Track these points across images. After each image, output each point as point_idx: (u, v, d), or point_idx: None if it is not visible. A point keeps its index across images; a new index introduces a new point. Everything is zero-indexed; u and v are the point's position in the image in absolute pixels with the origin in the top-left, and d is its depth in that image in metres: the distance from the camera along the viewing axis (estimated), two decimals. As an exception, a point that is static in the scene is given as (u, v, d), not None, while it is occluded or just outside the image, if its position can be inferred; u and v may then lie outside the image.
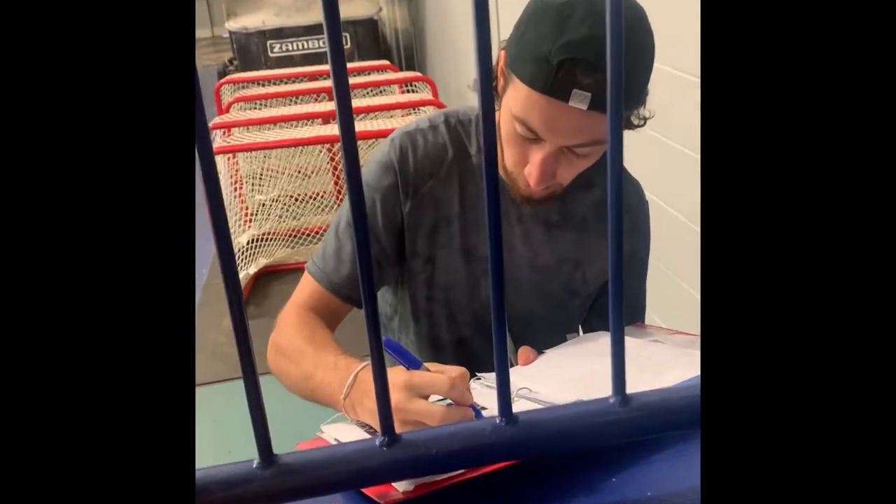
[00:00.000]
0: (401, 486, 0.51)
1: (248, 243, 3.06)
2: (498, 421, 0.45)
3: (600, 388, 0.46)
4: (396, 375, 0.63)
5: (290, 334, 0.85)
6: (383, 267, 0.90)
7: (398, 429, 0.63)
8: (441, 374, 0.63)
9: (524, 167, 0.79)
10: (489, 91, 0.41)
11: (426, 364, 0.65)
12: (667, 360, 0.63)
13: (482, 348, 0.90)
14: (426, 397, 0.62)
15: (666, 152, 1.53)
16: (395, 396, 0.61)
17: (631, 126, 0.82)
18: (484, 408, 0.62)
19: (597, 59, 0.69)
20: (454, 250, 0.89)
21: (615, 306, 0.43)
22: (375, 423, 0.65)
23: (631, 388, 0.46)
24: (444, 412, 0.60)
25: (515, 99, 0.76)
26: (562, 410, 0.46)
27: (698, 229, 1.30)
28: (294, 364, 0.81)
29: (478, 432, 0.45)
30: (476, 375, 0.74)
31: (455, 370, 0.63)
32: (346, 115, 0.38)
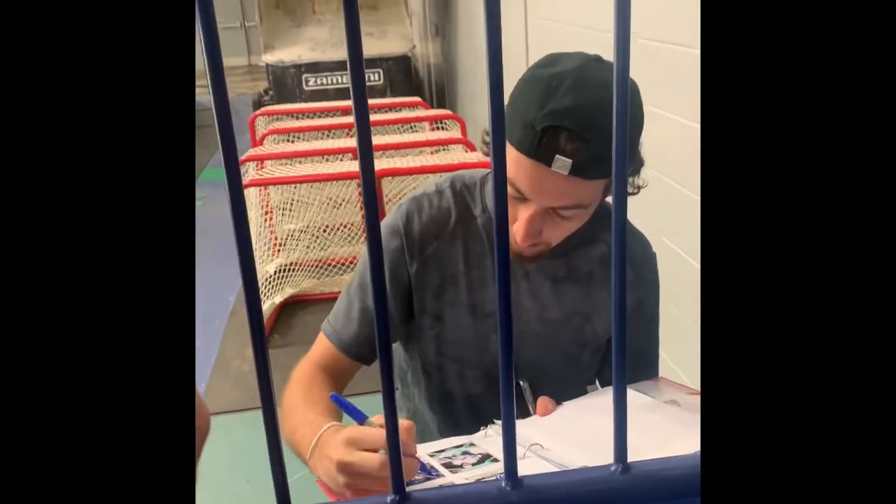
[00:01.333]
0: None
1: (275, 272, 3.11)
2: (503, 484, 0.47)
3: (612, 450, 0.48)
4: (342, 432, 0.67)
5: (291, 389, 0.90)
6: (392, 327, 0.93)
7: (344, 483, 0.66)
8: (383, 427, 0.65)
9: (513, 225, 0.83)
10: (501, 144, 0.44)
11: (372, 418, 0.68)
12: (677, 428, 0.64)
13: (492, 403, 0.92)
14: (371, 450, 0.65)
15: (664, 190, 1.55)
16: (339, 452, 0.65)
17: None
18: (433, 469, 0.65)
19: (579, 128, 0.74)
20: (462, 307, 0.92)
21: (618, 375, 0.45)
22: (330, 483, 0.68)
23: (636, 454, 0.47)
24: (383, 460, 0.63)
25: (507, 160, 0.81)
26: (566, 476, 0.48)
27: (696, 263, 1.31)
28: (286, 418, 0.86)
29: (484, 495, 0.47)
30: (493, 421, 0.76)
31: (401, 423, 0.65)
32: (369, 185, 0.41)
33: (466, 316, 0.92)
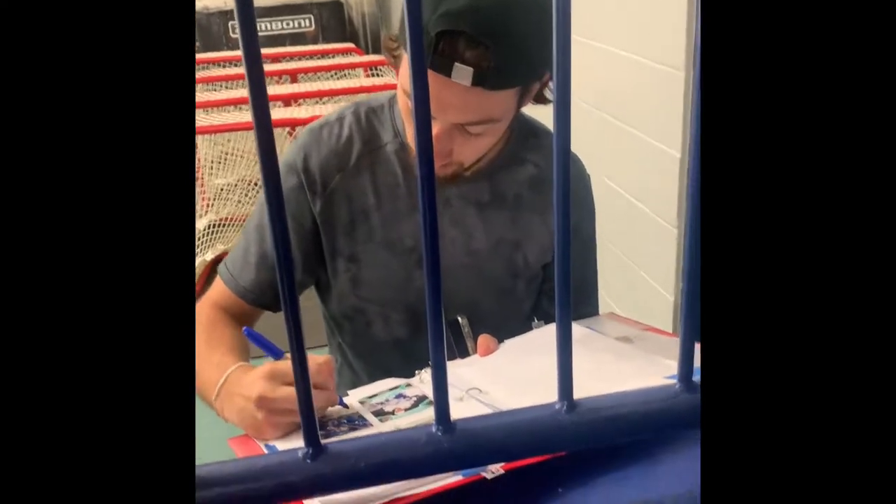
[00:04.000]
0: None
1: (205, 229, 2.98)
2: (434, 429, 0.41)
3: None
4: (261, 367, 0.61)
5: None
6: (296, 272, 0.84)
7: (264, 419, 0.60)
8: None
9: None
10: (422, 70, 0.37)
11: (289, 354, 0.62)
12: (630, 367, 0.59)
13: (424, 347, 0.84)
14: (292, 384, 0.59)
15: (635, 145, 1.50)
16: (259, 387, 0.59)
17: (545, 100, 0.78)
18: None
19: (478, 32, 0.65)
20: (377, 245, 0.84)
21: (562, 306, 0.40)
22: (241, 425, 0.62)
23: (584, 395, 0.42)
24: None
25: (404, 71, 0.73)
26: (504, 417, 0.42)
27: (668, 225, 1.27)
28: None
29: (412, 442, 0.41)
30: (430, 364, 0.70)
31: (320, 357, 0.60)
32: (261, 108, 0.33)
33: (383, 253, 0.84)
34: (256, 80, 0.32)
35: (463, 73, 0.66)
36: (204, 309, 0.84)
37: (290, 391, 0.58)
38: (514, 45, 0.67)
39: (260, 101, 0.33)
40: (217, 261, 2.94)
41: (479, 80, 0.67)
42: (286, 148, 0.87)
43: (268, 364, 0.61)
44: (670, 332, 0.70)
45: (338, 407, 0.60)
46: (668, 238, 1.39)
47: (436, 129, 0.71)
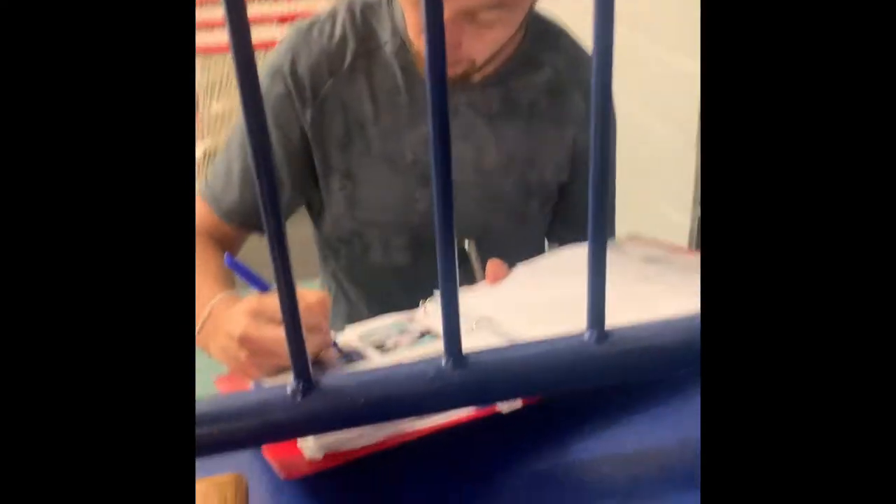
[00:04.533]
0: (308, 451, 0.40)
1: (201, 157, 2.90)
2: (443, 363, 0.35)
3: (581, 316, 0.36)
4: (245, 302, 0.54)
5: None
6: (283, 190, 0.76)
7: (247, 360, 0.54)
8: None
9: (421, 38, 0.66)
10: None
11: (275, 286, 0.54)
12: (661, 287, 0.53)
13: (426, 274, 0.77)
14: (279, 323, 0.50)
15: (650, 59, 1.41)
16: (243, 324, 0.52)
17: None
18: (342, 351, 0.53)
19: None
20: (375, 159, 0.75)
21: (596, 216, 0.33)
22: (226, 364, 0.55)
23: (614, 319, 0.37)
24: None
25: None
26: (524, 349, 0.37)
27: (682, 142, 1.17)
28: None
29: (418, 376, 0.35)
30: (434, 293, 0.64)
31: (312, 294, 0.52)
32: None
33: (382, 169, 0.75)
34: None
35: None
36: None
37: (277, 330, 0.51)
38: None
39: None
40: (215, 189, 2.87)
41: None
42: (271, 49, 0.77)
43: (252, 298, 0.54)
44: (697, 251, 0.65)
45: (332, 349, 0.54)
46: (686, 160, 1.33)
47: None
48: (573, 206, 0.85)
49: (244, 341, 0.51)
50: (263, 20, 2.86)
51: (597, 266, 0.34)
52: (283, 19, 2.81)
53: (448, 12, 0.61)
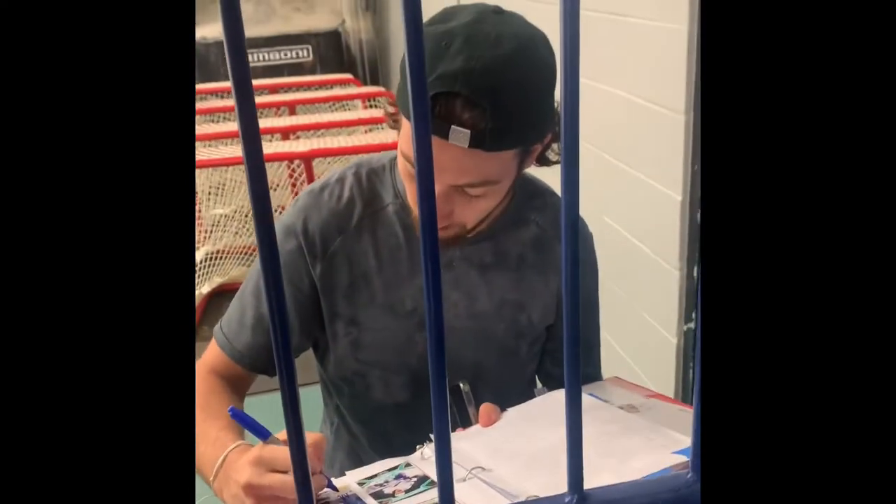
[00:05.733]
0: None
1: (202, 260, 2.96)
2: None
3: (564, 467, 0.40)
4: (249, 452, 0.60)
5: None
6: (292, 336, 0.83)
7: None
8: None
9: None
10: (425, 122, 0.36)
11: (277, 434, 0.61)
12: (638, 441, 0.57)
13: (425, 412, 0.81)
14: (280, 471, 0.58)
15: (635, 186, 1.50)
16: (247, 474, 0.58)
17: (547, 162, 0.78)
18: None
19: (474, 94, 0.65)
20: (378, 307, 0.82)
21: (571, 391, 0.38)
22: None
23: (593, 475, 0.40)
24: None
25: (404, 135, 0.73)
26: (511, 509, 0.40)
27: (666, 264, 1.25)
28: None
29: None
30: (430, 438, 0.68)
31: (308, 437, 0.59)
32: (258, 183, 0.32)
33: (384, 317, 0.82)
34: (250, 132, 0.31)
35: (460, 136, 0.65)
36: (201, 373, 0.83)
37: (278, 478, 0.57)
38: (512, 105, 0.66)
39: (255, 160, 0.32)
40: (214, 294, 2.92)
41: (477, 142, 0.66)
42: (286, 210, 0.85)
43: (256, 449, 0.60)
44: (674, 398, 0.69)
45: (327, 490, 0.59)
46: (671, 279, 1.39)
47: (435, 190, 0.70)
48: (560, 345, 0.91)
49: (248, 489, 0.56)
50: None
51: (574, 430, 0.38)
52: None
53: (440, 186, 0.69)
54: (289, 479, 0.57)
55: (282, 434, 0.61)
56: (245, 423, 0.59)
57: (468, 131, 0.65)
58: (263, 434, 0.58)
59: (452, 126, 0.65)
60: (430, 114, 0.64)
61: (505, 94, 0.65)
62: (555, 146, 0.76)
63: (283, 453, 0.58)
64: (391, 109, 0.78)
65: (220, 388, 0.80)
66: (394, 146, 0.83)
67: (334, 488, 0.57)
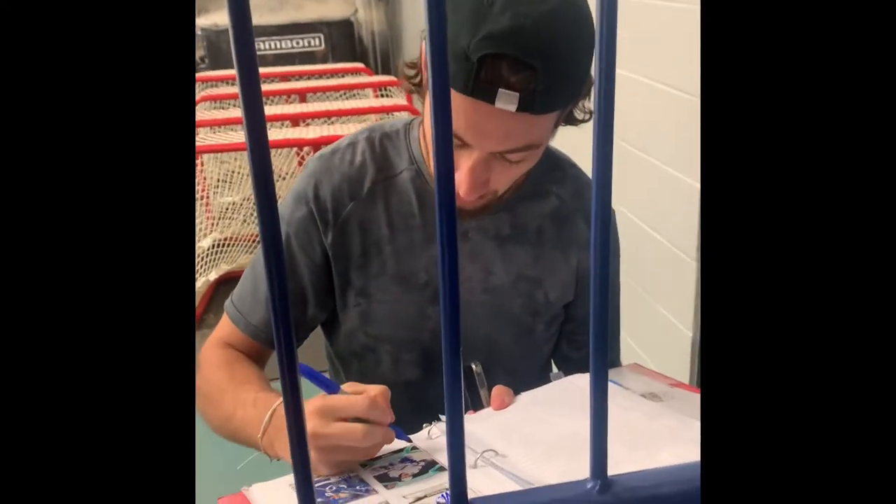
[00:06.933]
0: None
1: (210, 247, 2.94)
2: (449, 509, 0.36)
3: (585, 456, 0.37)
4: (311, 402, 0.58)
5: (207, 375, 0.78)
6: (308, 306, 0.81)
7: (316, 457, 0.57)
8: (359, 394, 0.59)
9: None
10: (446, 97, 0.33)
11: (343, 386, 0.61)
12: (663, 430, 0.54)
13: (434, 391, 0.79)
14: (346, 420, 0.58)
15: (650, 172, 1.46)
16: (311, 423, 0.56)
17: (574, 121, 0.73)
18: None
19: (524, 53, 0.60)
20: (389, 279, 0.79)
21: (597, 370, 0.35)
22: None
23: (614, 465, 0.37)
24: (364, 430, 0.57)
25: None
26: (528, 496, 0.37)
27: (683, 254, 1.21)
28: (214, 406, 0.75)
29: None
30: (439, 417, 0.65)
31: (374, 388, 0.59)
32: (260, 153, 0.29)
33: (395, 288, 0.79)
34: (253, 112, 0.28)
35: (509, 99, 0.61)
36: (215, 350, 0.80)
37: (344, 427, 0.57)
38: (563, 64, 0.62)
39: (258, 141, 0.29)
40: (221, 281, 2.90)
41: (526, 106, 0.62)
42: (296, 176, 0.83)
43: (319, 398, 0.59)
44: (696, 387, 0.66)
45: (399, 441, 0.59)
46: (688, 270, 1.35)
47: (472, 159, 0.66)
48: (578, 326, 0.87)
49: (313, 439, 0.54)
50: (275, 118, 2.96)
51: (599, 415, 0.35)
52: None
53: (478, 154, 0.65)
54: (356, 426, 0.57)
55: (349, 386, 0.61)
56: (313, 378, 0.58)
57: (517, 94, 0.61)
58: (333, 388, 0.59)
59: (500, 89, 0.61)
60: (475, 77, 0.61)
61: (556, 53, 0.61)
62: (582, 103, 0.72)
63: (348, 402, 0.58)
64: (410, 72, 0.75)
65: (241, 358, 0.79)
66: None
67: (407, 439, 0.58)
